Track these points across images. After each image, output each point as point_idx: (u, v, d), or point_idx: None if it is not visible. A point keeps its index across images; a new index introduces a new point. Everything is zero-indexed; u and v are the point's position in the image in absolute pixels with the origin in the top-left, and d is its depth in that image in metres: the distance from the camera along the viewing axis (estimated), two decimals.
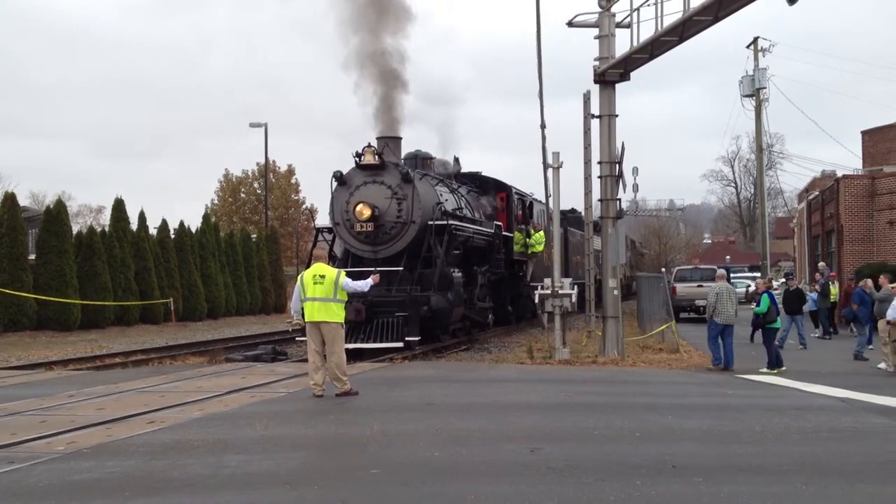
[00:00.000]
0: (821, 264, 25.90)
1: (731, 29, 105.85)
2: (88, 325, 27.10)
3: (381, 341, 16.79)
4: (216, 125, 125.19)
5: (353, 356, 15.71)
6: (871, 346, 17.89)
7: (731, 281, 25.42)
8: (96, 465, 6.92)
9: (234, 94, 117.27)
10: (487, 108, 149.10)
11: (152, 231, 32.63)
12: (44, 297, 25.42)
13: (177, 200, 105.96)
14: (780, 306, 17.88)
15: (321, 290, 10.82)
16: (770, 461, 7.06)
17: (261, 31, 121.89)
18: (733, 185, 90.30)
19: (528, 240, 24.43)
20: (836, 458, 7.26)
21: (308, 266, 11.93)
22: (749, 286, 39.66)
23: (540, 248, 24.89)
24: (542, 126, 20.16)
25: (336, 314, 10.87)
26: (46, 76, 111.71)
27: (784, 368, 14.62)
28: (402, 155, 20.08)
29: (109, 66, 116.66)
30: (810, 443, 7.96)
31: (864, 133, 36.43)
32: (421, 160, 21.24)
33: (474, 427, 8.54)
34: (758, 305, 15.29)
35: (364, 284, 11.41)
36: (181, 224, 34.23)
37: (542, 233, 25.04)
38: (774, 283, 19.13)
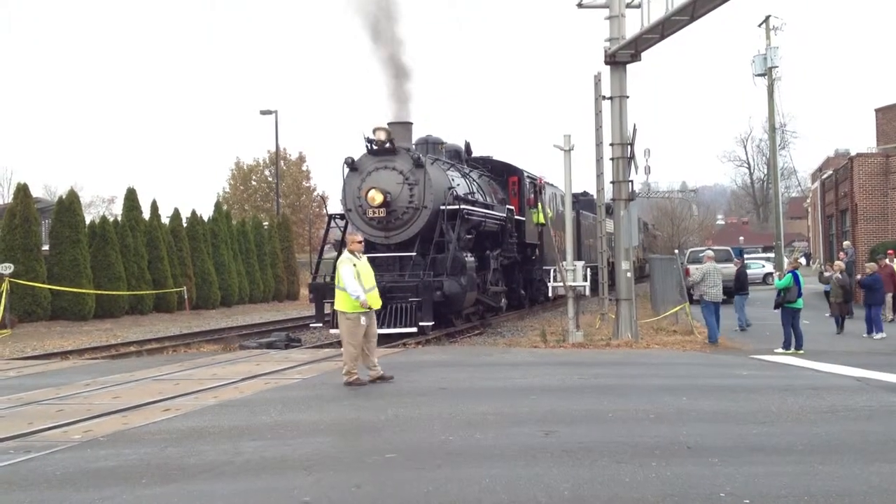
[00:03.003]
0: (846, 243, 25.67)
1: (744, 7, 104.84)
2: (103, 314, 27.26)
3: (395, 326, 16.82)
4: (228, 113, 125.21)
5: None
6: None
7: (745, 262, 25.42)
8: (113, 454, 6.95)
9: (246, 80, 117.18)
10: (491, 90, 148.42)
11: (164, 220, 32.70)
12: (58, 288, 25.58)
13: (188, 189, 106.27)
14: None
15: (336, 278, 10.84)
16: (786, 441, 7.03)
17: (272, 17, 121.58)
18: (746, 165, 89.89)
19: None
20: (852, 438, 7.22)
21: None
22: (763, 267, 39.56)
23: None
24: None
25: (341, 303, 10.63)
26: (49, 67, 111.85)
27: (802, 351, 14.57)
28: (413, 140, 20.04)
29: (113, 55, 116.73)
30: (826, 422, 7.91)
31: (877, 111, 36.08)
32: (432, 145, 21.21)
33: (488, 411, 8.53)
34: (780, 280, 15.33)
35: (358, 296, 10.62)
36: (193, 213, 34.29)
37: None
38: (802, 262, 19.16)
